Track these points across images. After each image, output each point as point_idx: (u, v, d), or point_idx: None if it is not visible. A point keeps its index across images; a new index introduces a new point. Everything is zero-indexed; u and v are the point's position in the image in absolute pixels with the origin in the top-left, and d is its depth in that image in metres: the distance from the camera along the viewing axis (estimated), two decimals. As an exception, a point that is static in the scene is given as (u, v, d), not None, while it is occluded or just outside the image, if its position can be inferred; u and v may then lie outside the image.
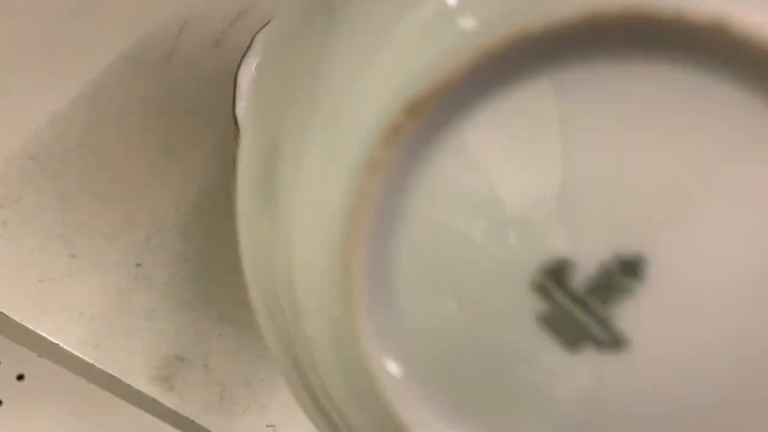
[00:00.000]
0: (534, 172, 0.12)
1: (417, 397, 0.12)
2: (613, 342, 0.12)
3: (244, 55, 0.26)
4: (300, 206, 0.13)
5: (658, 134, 0.11)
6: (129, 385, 0.27)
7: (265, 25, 0.26)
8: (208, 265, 0.28)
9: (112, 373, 0.27)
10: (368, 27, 0.12)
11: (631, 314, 0.12)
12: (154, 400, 0.27)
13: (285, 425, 0.28)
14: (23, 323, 0.26)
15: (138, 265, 0.28)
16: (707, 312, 0.12)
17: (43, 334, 0.27)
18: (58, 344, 0.27)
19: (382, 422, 0.13)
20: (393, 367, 0.12)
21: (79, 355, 0.27)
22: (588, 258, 0.12)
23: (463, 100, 0.11)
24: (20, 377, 0.41)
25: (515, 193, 0.12)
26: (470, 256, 0.12)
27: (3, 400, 0.41)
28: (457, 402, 0.13)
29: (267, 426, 0.28)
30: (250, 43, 0.26)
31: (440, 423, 0.13)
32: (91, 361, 0.27)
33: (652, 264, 0.12)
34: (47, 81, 0.30)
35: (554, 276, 0.12)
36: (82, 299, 0.27)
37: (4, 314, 0.26)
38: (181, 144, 0.30)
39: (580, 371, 0.12)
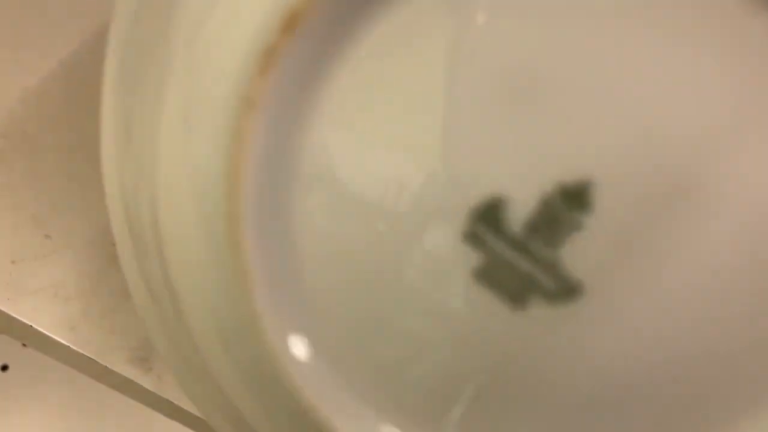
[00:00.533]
0: (438, 98, 0.09)
1: (331, 385, 0.10)
2: (565, 290, 0.10)
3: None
4: (164, 162, 0.10)
5: (583, 44, 0.09)
6: (106, 366, 0.26)
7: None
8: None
9: (89, 355, 0.26)
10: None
11: (581, 254, 0.09)
12: (132, 382, 0.26)
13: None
14: (-5, 305, 0.26)
15: (114, 244, 0.27)
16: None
17: (16, 316, 0.26)
18: (32, 326, 0.26)
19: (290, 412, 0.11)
20: (300, 349, 0.10)
21: (53, 336, 0.26)
22: (525, 192, 0.09)
23: (348, 12, 0.09)
24: (4, 368, 0.41)
25: (424, 125, 0.09)
26: (383, 207, 0.09)
27: (-14, 390, 0.40)
28: (381, 385, 0.10)
29: (248, 406, 0.27)
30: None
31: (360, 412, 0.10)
32: (66, 342, 0.26)
33: (602, 189, 0.09)
34: (20, 57, 0.29)
35: (487, 220, 0.09)
36: (57, 280, 0.26)
37: (-24, 296, 0.26)
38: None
39: (530, 330, 0.10)
